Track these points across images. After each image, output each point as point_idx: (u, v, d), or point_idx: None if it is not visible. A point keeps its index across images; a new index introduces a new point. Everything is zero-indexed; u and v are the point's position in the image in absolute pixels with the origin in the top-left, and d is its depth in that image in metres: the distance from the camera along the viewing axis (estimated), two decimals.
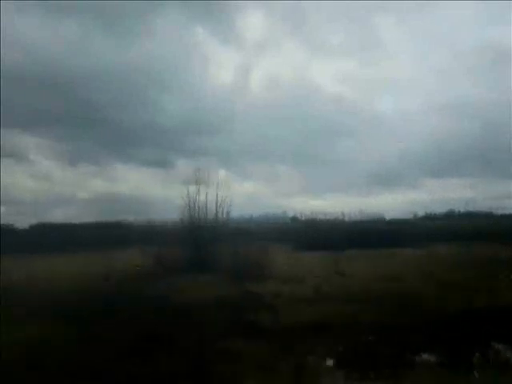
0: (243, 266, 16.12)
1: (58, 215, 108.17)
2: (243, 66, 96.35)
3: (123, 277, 17.64)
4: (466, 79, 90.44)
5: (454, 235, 36.49)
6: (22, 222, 68.72)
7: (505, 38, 66.80)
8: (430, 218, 65.68)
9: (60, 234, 58.45)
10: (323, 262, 19.83)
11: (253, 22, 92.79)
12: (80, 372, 7.04)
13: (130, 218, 73.97)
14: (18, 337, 8.86)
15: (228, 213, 20.48)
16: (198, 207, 19.85)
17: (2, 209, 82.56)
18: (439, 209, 76.41)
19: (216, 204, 20.09)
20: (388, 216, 59.11)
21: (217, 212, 20.17)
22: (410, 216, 63.68)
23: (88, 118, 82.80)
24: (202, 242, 18.77)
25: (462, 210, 65.96)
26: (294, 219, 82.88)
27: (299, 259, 21.27)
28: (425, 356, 7.63)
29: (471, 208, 63.94)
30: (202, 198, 20.10)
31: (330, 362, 7.49)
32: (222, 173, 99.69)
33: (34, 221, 62.97)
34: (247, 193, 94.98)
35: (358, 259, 20.55)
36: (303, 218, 77.96)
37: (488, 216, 60.16)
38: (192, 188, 20.04)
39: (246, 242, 19.90)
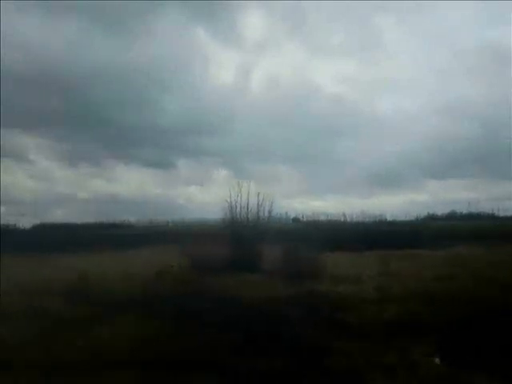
0: (293, 265, 16.46)
1: (58, 215, 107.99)
2: (243, 66, 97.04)
3: (169, 275, 17.93)
4: (466, 79, 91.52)
5: (468, 236, 36.70)
6: (23, 221, 68.61)
7: (505, 38, 67.43)
8: (433, 219, 66.32)
9: (65, 234, 58.59)
10: (361, 262, 20.25)
11: (253, 22, 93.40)
12: (200, 367, 7.38)
13: (131, 218, 74.22)
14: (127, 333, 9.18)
15: (270, 212, 20.99)
16: (240, 207, 20.30)
17: (3, 209, 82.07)
18: (440, 210, 77.14)
19: (257, 203, 20.56)
20: (389, 217, 59.71)
21: (258, 211, 20.62)
22: (412, 217, 64.09)
23: (88, 118, 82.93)
24: (244, 241, 19.11)
25: (465, 211, 66.65)
26: (296, 220, 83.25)
27: (332, 259, 21.61)
28: None
29: (474, 209, 64.50)
30: (243, 197, 20.55)
31: (436, 360, 7.82)
32: (223, 173, 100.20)
33: (34, 221, 63.16)
34: (248, 193, 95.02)
35: (390, 259, 20.94)
36: (305, 219, 78.66)
37: (491, 217, 60.94)
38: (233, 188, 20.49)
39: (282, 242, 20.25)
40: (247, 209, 20.39)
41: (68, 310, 11.49)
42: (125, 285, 15.61)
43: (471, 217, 63.20)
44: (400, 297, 12.25)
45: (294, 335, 9.21)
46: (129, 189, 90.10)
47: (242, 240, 19.28)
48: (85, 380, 6.93)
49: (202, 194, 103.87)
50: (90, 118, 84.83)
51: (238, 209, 20.40)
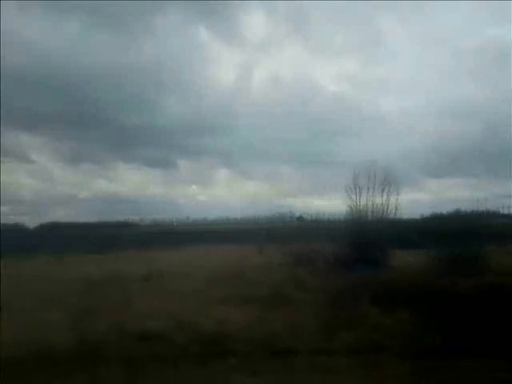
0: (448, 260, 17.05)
1: (60, 215, 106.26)
2: (245, 66, 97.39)
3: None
4: (466, 79, 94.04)
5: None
6: (26, 221, 67.34)
7: (505, 38, 69.72)
8: (437, 218, 68.39)
9: (81, 233, 57.90)
10: None
11: (255, 22, 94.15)
12: None
13: (133, 217, 74.20)
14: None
15: (395, 212, 21.99)
16: (365, 207, 21.19)
17: (5, 209, 79.99)
18: (440, 209, 79.36)
19: (382, 204, 21.49)
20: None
21: (382, 211, 21.54)
22: (416, 215, 65.51)
23: (89, 118, 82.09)
24: (369, 239, 19.77)
25: (473, 209, 68.72)
26: (300, 219, 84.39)
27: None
28: None
29: (482, 207, 66.51)
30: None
31: None
32: (224, 172, 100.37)
33: (36, 221, 62.64)
34: (249, 193, 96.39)
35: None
36: (309, 218, 79.85)
37: (499, 215, 63.29)
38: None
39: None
40: (372, 208, 21.32)
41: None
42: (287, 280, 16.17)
43: (478, 215, 65.23)
44: None
45: None
46: (130, 188, 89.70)
47: (367, 238, 19.93)
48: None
49: (203, 194, 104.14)
50: (91, 117, 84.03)
51: (362, 208, 21.29)
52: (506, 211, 63.22)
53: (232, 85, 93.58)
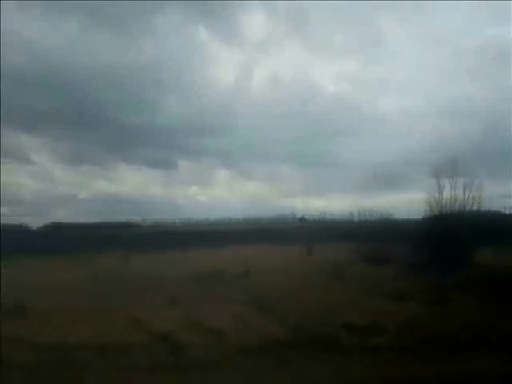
0: None
1: (61, 215, 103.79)
2: (245, 66, 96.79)
3: None
4: (466, 79, 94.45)
5: None
6: (27, 222, 65.56)
7: (505, 38, 70.50)
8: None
9: (84, 234, 56.52)
10: None
11: (254, 22, 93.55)
12: None
13: (134, 218, 73.17)
14: None
15: (479, 209, 22.26)
16: (448, 204, 21.39)
17: (5, 210, 77.81)
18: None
19: (465, 201, 21.75)
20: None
21: (465, 209, 21.81)
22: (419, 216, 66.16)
23: (89, 118, 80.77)
24: (456, 237, 19.79)
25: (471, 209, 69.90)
26: (303, 220, 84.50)
27: None
28: None
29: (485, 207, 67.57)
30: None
31: None
32: (224, 173, 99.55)
33: (38, 221, 61.43)
34: (249, 193, 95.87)
35: None
36: (312, 218, 79.95)
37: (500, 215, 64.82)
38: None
39: None
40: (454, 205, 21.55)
41: None
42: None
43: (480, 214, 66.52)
44: None
45: None
46: (130, 189, 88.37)
47: (453, 236, 19.97)
48: None
49: (203, 194, 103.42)
50: (91, 118, 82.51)
51: (444, 205, 21.50)
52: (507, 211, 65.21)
53: (232, 85, 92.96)
